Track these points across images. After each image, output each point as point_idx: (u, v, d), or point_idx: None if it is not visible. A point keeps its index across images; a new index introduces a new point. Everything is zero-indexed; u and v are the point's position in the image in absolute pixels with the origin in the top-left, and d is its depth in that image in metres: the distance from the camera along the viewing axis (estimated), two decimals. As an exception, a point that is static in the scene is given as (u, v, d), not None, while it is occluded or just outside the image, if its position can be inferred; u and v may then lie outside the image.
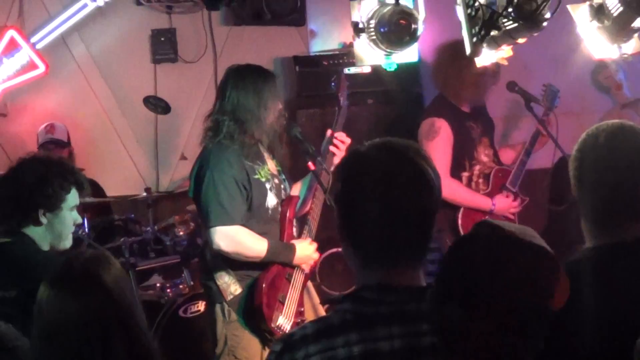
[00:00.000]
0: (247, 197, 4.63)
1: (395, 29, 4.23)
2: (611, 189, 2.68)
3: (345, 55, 6.85)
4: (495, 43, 3.67)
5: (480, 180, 5.91)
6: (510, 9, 3.49)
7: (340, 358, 2.20)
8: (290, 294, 4.74)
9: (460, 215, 5.68)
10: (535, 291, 2.00)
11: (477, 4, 3.55)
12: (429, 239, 2.32)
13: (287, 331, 4.64)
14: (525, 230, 2.13)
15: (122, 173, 7.24)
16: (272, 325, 4.62)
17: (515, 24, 3.53)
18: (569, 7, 3.86)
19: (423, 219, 2.29)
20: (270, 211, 4.75)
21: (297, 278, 4.79)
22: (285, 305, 4.69)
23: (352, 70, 6.61)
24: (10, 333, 3.02)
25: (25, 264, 3.71)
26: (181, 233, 6.31)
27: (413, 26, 4.26)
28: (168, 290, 6.21)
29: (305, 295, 4.91)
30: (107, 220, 6.37)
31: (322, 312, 5.08)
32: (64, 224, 3.90)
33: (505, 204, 5.83)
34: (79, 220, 4.00)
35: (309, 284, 5.01)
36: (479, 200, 5.76)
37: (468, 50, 3.68)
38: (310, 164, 4.76)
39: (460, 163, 5.77)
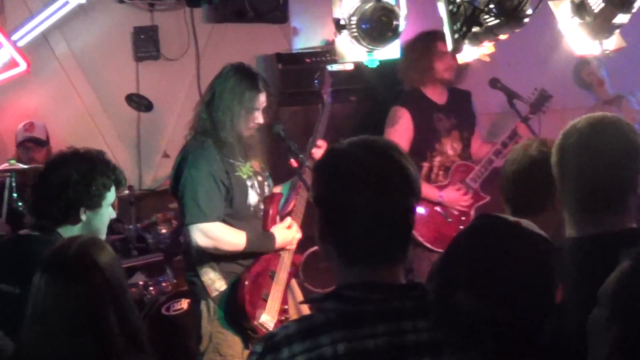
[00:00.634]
0: (226, 194, 4.62)
1: (376, 25, 4.23)
2: (592, 178, 2.68)
3: (328, 52, 6.86)
4: (477, 39, 3.67)
5: (441, 172, 5.97)
6: (491, 5, 3.49)
7: (326, 357, 2.18)
8: (273, 291, 4.73)
9: None
10: (542, 279, 2.02)
11: (458, 0, 3.55)
12: (409, 238, 2.33)
13: (270, 329, 4.64)
14: (528, 222, 2.15)
15: (104, 171, 7.21)
16: (255, 322, 4.61)
17: (497, 20, 3.53)
18: (550, 3, 3.86)
19: (406, 217, 2.29)
20: (252, 208, 4.74)
21: (281, 276, 4.78)
22: (268, 303, 4.69)
23: (335, 67, 6.60)
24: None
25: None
26: (164, 231, 6.30)
27: (394, 22, 4.26)
28: (151, 288, 6.20)
29: (288, 293, 4.90)
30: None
31: (306, 310, 5.08)
32: (102, 221, 3.82)
33: (454, 197, 5.89)
34: (114, 215, 3.91)
35: (293, 282, 5.00)
36: (427, 190, 5.74)
37: (450, 47, 3.67)
38: (292, 161, 4.76)
39: (420, 152, 5.77)
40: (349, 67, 6.66)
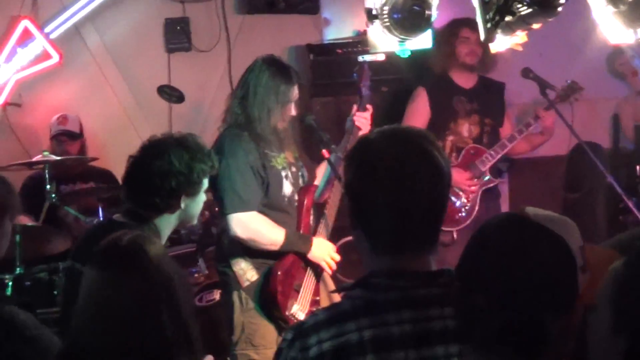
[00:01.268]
0: (262, 184, 4.63)
1: (408, 15, 4.20)
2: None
3: (359, 43, 6.85)
4: (510, 29, 3.65)
5: (454, 154, 6.11)
6: (524, -6, 3.47)
7: (352, 343, 2.19)
8: (306, 282, 4.74)
9: None
10: (555, 285, 1.95)
11: (491, -11, 3.53)
12: (440, 226, 2.33)
13: (302, 319, 4.65)
14: (563, 221, 2.10)
15: (136, 162, 7.24)
16: (287, 313, 4.62)
17: (530, 10, 3.50)
18: (584, -8, 3.83)
19: (434, 208, 2.29)
20: (286, 199, 4.74)
21: (314, 267, 4.78)
22: (300, 294, 4.69)
23: (366, 57, 6.59)
24: (29, 322, 3.03)
25: None
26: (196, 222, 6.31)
27: (427, 12, 4.23)
28: (183, 279, 6.21)
29: (321, 285, 4.90)
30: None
31: (337, 300, 5.08)
32: (198, 207, 3.87)
33: (458, 178, 5.95)
34: (205, 199, 3.94)
35: (325, 273, 5.00)
36: None
37: (482, 36, 3.65)
38: (324, 152, 4.75)
39: (436, 131, 5.81)
40: (381, 57, 6.64)
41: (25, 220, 5.53)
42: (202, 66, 7.34)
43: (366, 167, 2.30)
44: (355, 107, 4.95)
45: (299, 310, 4.66)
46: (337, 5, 7.43)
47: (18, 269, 5.29)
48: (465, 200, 6.00)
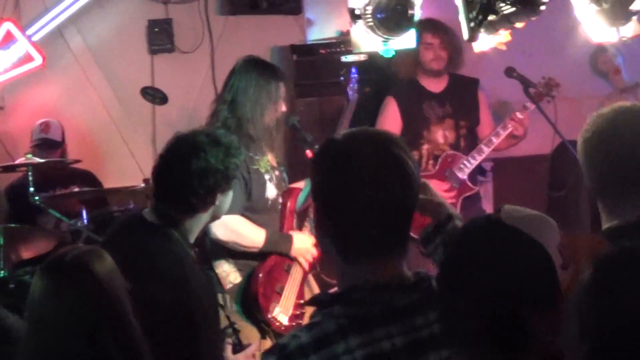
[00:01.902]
0: (246, 187, 4.62)
1: (392, 14, 4.20)
2: (622, 164, 2.67)
3: (343, 43, 6.84)
4: (493, 27, 3.66)
5: (431, 161, 6.02)
6: (507, -7, 3.48)
7: None
8: (288, 285, 4.73)
9: None
10: (532, 286, 1.95)
11: (474, -12, 3.54)
12: (409, 229, 2.31)
13: (284, 323, 4.64)
14: (541, 220, 2.09)
15: (120, 164, 7.23)
16: (269, 316, 4.61)
17: (513, 8, 3.51)
18: (566, -10, 3.85)
19: (403, 212, 2.27)
20: (270, 202, 4.74)
21: (297, 270, 4.78)
22: (282, 296, 4.68)
23: (349, 58, 6.59)
24: (17, 326, 3.02)
25: (154, 263, 3.45)
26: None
27: (410, 12, 4.24)
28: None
29: (305, 288, 4.89)
30: (105, 212, 6.35)
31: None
32: (228, 201, 3.77)
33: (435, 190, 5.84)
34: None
35: (310, 276, 4.99)
36: None
37: (465, 36, 3.66)
38: (308, 152, 4.75)
39: (410, 140, 5.71)
40: (363, 57, 6.64)
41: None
42: (185, 67, 7.33)
43: (338, 174, 2.26)
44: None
45: (280, 312, 4.65)
46: (320, 6, 7.42)
47: (2, 271, 5.25)
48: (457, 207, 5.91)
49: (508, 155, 6.58)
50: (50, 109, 6.85)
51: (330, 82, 5.49)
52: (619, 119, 2.75)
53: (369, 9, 4.24)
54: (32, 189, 5.66)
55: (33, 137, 6.51)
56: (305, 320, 4.61)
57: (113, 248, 3.07)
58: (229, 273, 4.66)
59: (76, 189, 6.38)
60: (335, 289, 2.35)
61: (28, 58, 6.73)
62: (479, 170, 6.27)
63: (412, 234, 2.36)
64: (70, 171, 6.59)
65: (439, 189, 5.82)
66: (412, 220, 2.31)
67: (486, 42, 3.82)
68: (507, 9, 3.53)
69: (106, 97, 7.22)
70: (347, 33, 5.46)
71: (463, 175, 5.95)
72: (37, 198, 5.67)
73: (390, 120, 6.01)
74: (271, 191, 4.73)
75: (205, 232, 4.68)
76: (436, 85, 6.11)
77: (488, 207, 6.59)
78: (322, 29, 7.41)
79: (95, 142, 7.15)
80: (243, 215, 4.62)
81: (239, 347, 3.91)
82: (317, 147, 4.67)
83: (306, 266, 4.80)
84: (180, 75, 7.29)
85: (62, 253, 2.91)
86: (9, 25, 6.68)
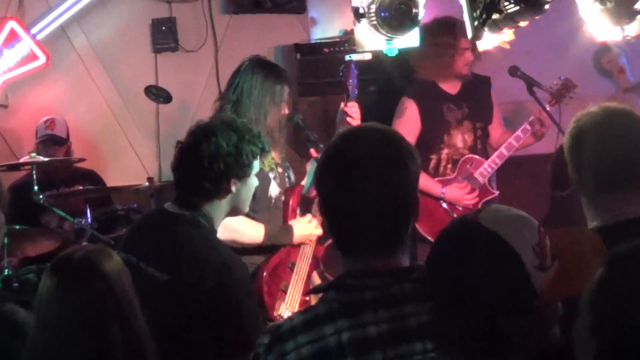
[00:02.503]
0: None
1: (396, 13, 4.20)
2: (614, 160, 2.67)
3: (346, 42, 6.83)
4: (497, 26, 3.65)
5: (449, 166, 5.89)
6: (511, -8, 3.47)
7: (330, 347, 2.21)
8: (293, 283, 4.72)
9: None
10: (503, 290, 1.93)
11: (478, -13, 3.54)
12: (405, 224, 2.32)
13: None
14: (521, 220, 2.05)
15: (124, 163, 7.24)
16: (274, 314, 4.61)
17: (517, 7, 3.51)
18: (570, -11, 3.84)
19: (394, 206, 2.29)
20: (273, 200, 4.74)
21: (301, 267, 4.77)
22: (287, 294, 4.68)
23: (353, 57, 6.57)
24: (29, 320, 3.03)
25: (192, 251, 3.46)
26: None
27: (414, 10, 4.23)
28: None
29: (310, 285, 4.89)
30: (109, 211, 6.36)
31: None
32: (250, 191, 3.76)
33: (457, 194, 5.79)
34: (257, 184, 3.86)
35: (314, 274, 4.99)
36: (430, 185, 5.72)
37: (469, 34, 3.66)
38: (312, 151, 4.75)
39: (429, 145, 5.77)
40: (368, 56, 6.62)
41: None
42: (189, 66, 7.34)
43: (324, 172, 2.35)
44: (342, 104, 4.94)
45: (286, 310, 4.64)
46: (324, 5, 7.43)
47: (6, 270, 5.26)
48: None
49: (512, 154, 6.57)
50: (53, 108, 6.86)
51: (334, 81, 5.48)
52: (606, 120, 2.77)
53: (373, 7, 4.24)
54: (36, 188, 5.66)
55: (38, 133, 6.52)
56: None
57: (143, 242, 3.09)
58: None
59: (80, 188, 6.39)
60: None
61: (32, 57, 6.74)
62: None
63: (428, 237, 2.40)
64: (74, 170, 6.60)
65: (461, 195, 5.81)
66: (408, 215, 2.32)
67: (490, 41, 3.81)
68: (511, 7, 3.52)
69: (110, 96, 7.23)
70: (351, 32, 5.45)
71: (484, 179, 5.89)
72: (41, 197, 5.67)
73: (409, 123, 5.79)
74: (274, 189, 4.74)
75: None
76: (453, 87, 5.95)
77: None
78: (325, 28, 7.42)
79: (98, 141, 7.16)
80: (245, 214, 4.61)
81: None
82: (321, 145, 4.71)
83: (312, 245, 4.79)
84: (184, 74, 7.30)
85: (70, 252, 2.93)
86: (13, 24, 6.69)
